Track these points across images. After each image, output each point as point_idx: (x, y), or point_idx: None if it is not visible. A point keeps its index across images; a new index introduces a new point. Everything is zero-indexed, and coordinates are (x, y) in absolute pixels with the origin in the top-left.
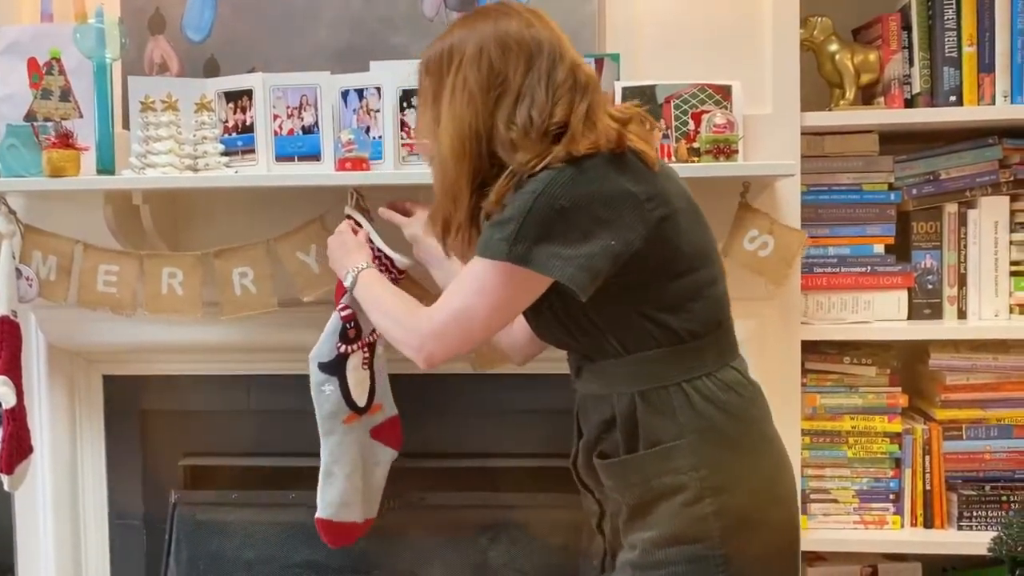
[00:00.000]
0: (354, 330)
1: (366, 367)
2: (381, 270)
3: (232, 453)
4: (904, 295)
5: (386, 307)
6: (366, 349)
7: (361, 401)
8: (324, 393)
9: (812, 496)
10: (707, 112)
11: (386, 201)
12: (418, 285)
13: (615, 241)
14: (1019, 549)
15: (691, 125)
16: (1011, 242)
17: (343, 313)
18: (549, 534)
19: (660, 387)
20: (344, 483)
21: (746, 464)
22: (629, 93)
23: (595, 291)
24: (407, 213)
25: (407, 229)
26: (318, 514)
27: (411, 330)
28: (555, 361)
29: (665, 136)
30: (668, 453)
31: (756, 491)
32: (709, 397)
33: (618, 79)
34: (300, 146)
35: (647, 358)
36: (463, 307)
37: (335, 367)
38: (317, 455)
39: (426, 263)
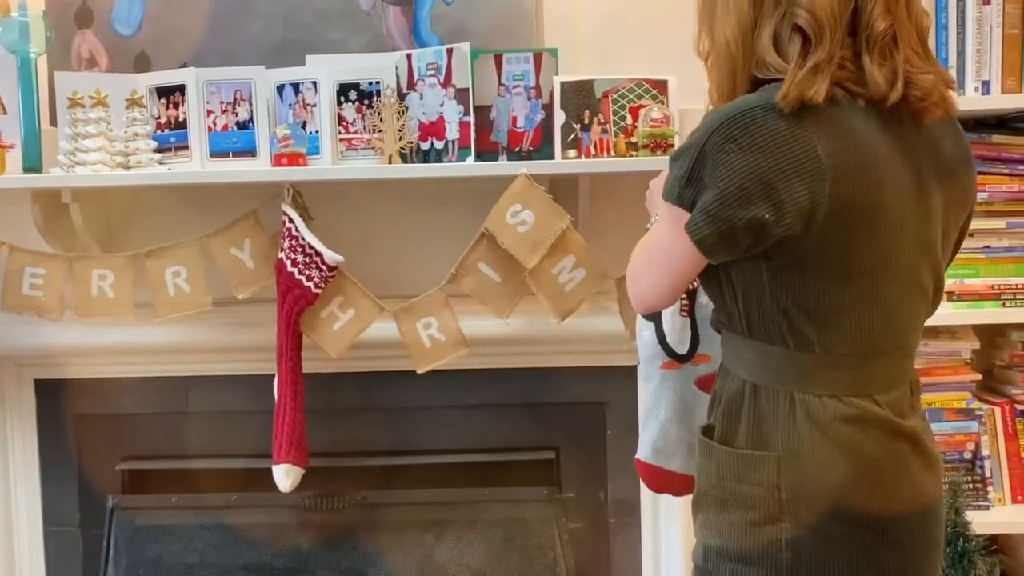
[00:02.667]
0: None
1: (684, 314)
2: (312, 266)
3: (171, 456)
4: None
5: (637, 249)
6: (684, 296)
7: (680, 348)
8: (643, 338)
9: None
10: (644, 106)
11: None
12: (352, 282)
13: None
14: None
15: (629, 119)
16: None
17: None
18: (496, 529)
19: (772, 387)
20: (659, 429)
21: (847, 511)
22: (567, 87)
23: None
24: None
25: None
26: (636, 455)
27: (630, 270)
28: (502, 356)
29: (604, 130)
30: (759, 462)
31: (845, 548)
32: (820, 421)
33: (556, 74)
34: (235, 142)
35: (767, 351)
36: (652, 256)
37: (652, 313)
38: (260, 456)
39: None
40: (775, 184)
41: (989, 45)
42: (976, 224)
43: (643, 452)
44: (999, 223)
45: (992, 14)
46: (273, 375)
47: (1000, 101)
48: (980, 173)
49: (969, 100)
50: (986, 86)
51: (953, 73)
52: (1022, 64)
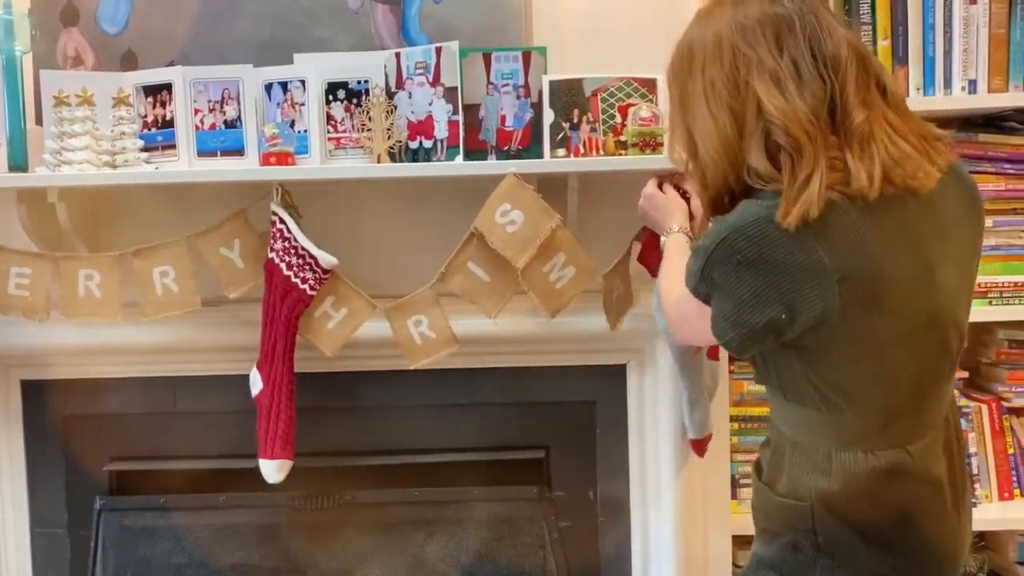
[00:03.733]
0: None
1: None
2: (306, 268)
3: (159, 457)
4: None
5: (663, 270)
6: None
7: None
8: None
9: (742, 481)
10: (633, 105)
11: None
12: (344, 281)
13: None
14: None
15: (618, 118)
16: None
17: None
18: (486, 528)
19: (812, 445)
20: (704, 405)
21: (872, 557)
22: (556, 87)
23: None
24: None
25: (695, 200)
26: (691, 436)
27: (664, 295)
28: (491, 355)
29: (593, 129)
30: (790, 510)
31: None
32: (857, 474)
33: (545, 72)
34: (223, 141)
35: (804, 414)
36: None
37: None
38: (247, 456)
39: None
40: (785, 290)
41: (976, 44)
42: None
43: (699, 432)
44: (986, 222)
45: (979, 14)
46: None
47: (987, 100)
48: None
49: (956, 99)
50: (973, 85)
51: (940, 72)
52: (1008, 63)
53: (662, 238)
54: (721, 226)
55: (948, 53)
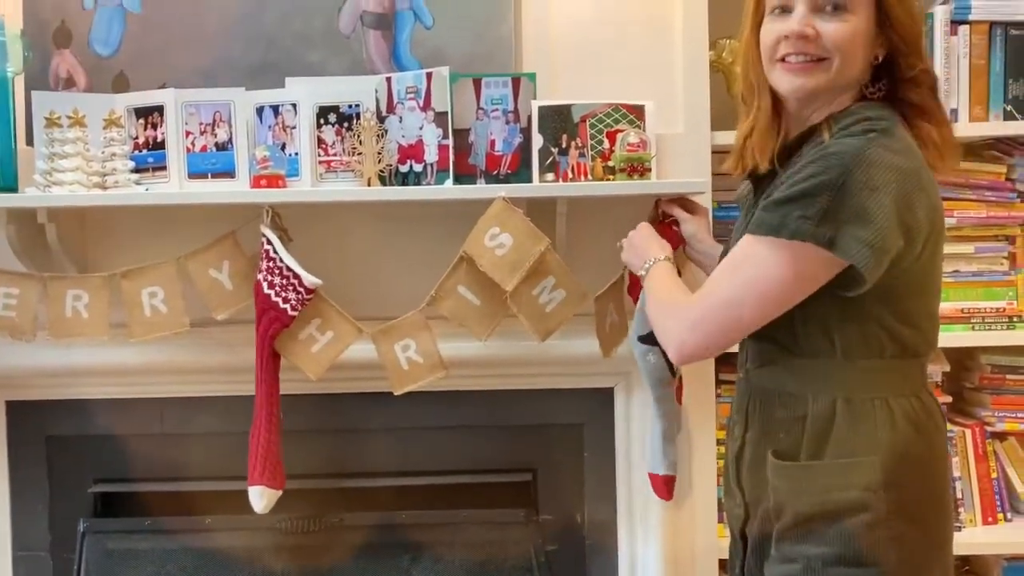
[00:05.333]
0: None
1: None
2: (289, 288)
3: (145, 479)
4: None
5: (658, 297)
6: None
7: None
8: (650, 362)
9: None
10: (621, 131)
11: (667, 196)
12: (330, 304)
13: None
14: None
15: (606, 144)
16: None
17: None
18: (473, 551)
19: (868, 398)
20: (676, 441)
21: (934, 495)
22: (545, 112)
23: None
24: (690, 209)
25: (687, 225)
26: (664, 472)
27: (672, 319)
28: (479, 377)
29: (581, 154)
30: (859, 468)
31: (934, 527)
32: (913, 419)
33: (535, 98)
34: (214, 163)
35: (866, 367)
36: (732, 296)
37: (653, 337)
38: (235, 478)
39: (698, 264)
40: (905, 215)
41: (957, 75)
42: (946, 249)
43: (671, 468)
44: (968, 248)
45: (959, 44)
46: (251, 396)
47: (968, 129)
48: (949, 199)
49: None
50: (955, 114)
51: None
52: (988, 93)
53: (644, 266)
54: (841, 156)
55: None
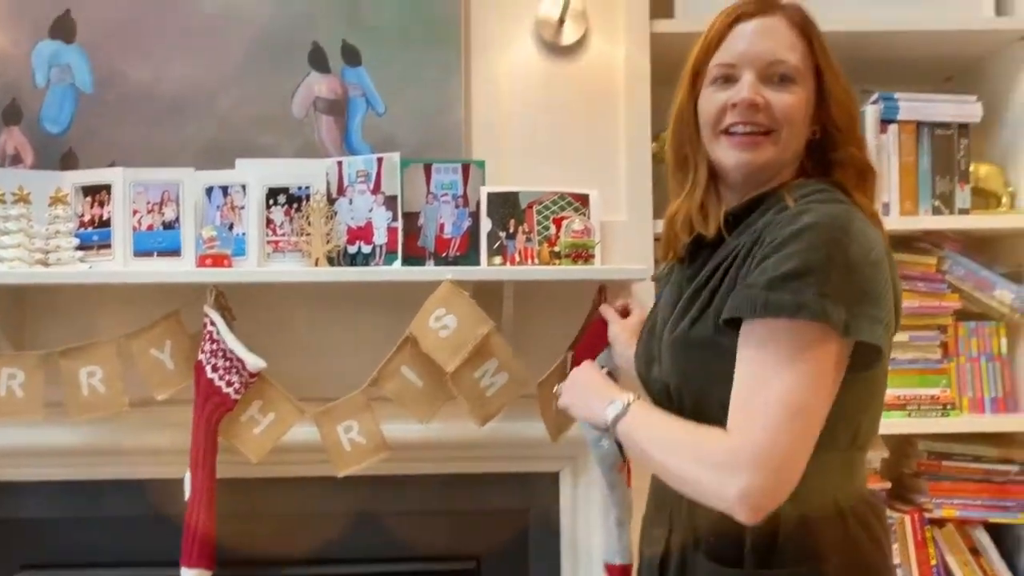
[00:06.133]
0: None
1: None
2: (233, 371)
3: (77, 564)
4: None
5: (669, 443)
6: None
7: None
8: (602, 448)
9: None
10: (567, 218)
11: (612, 303)
12: (272, 385)
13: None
14: None
15: (552, 229)
16: None
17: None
18: None
19: (818, 495)
20: (626, 530)
21: None
22: (494, 198)
23: None
24: (625, 312)
25: (612, 326)
26: (620, 561)
27: (714, 468)
28: (422, 461)
29: (528, 239)
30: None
31: None
32: (863, 520)
33: (484, 184)
34: (160, 241)
35: (816, 459)
36: (791, 398)
37: None
38: (171, 564)
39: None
40: (888, 290)
41: (888, 170)
42: None
43: (626, 556)
44: (903, 336)
45: (889, 142)
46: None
47: (900, 222)
48: None
49: None
50: (887, 208)
51: None
52: (917, 189)
53: (608, 418)
54: (828, 231)
55: None
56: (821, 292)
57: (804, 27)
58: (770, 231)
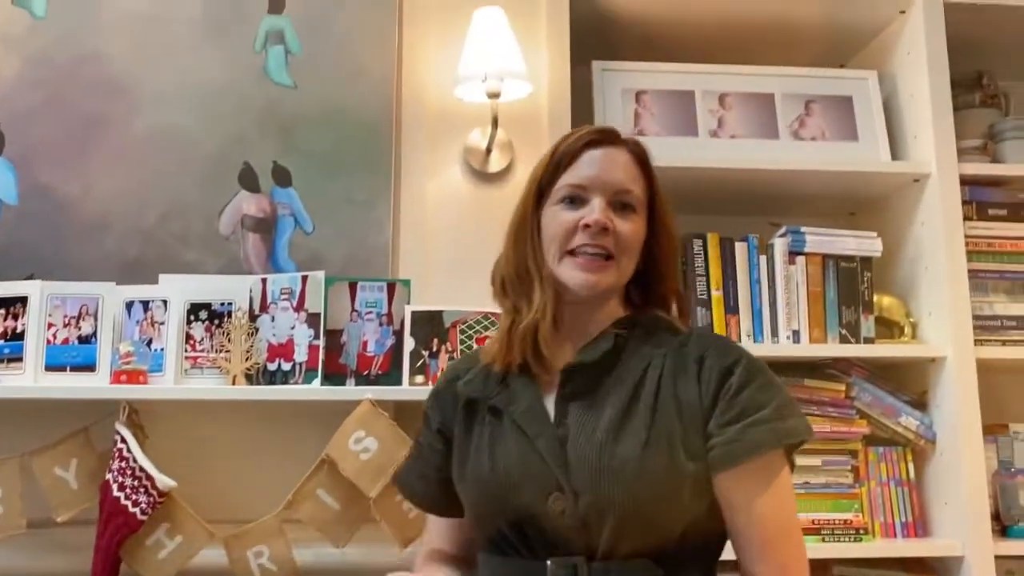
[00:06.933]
0: None
1: None
2: (140, 490)
3: None
4: None
5: None
6: None
7: None
8: None
9: None
10: (489, 337)
11: None
12: (182, 506)
13: None
14: None
15: (476, 349)
16: None
17: None
18: None
19: None
20: None
21: None
22: (418, 317)
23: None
24: None
25: None
26: None
27: None
28: None
29: (451, 358)
30: None
31: None
32: None
33: (408, 303)
34: (74, 356)
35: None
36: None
37: None
38: None
39: None
40: None
41: (797, 299)
42: (797, 460)
43: None
44: (816, 460)
45: (797, 273)
46: None
47: (810, 349)
48: None
49: (783, 347)
50: (796, 335)
51: (768, 322)
52: (825, 317)
53: None
54: (746, 352)
55: (773, 305)
56: (800, 413)
57: (644, 162)
58: (711, 356)
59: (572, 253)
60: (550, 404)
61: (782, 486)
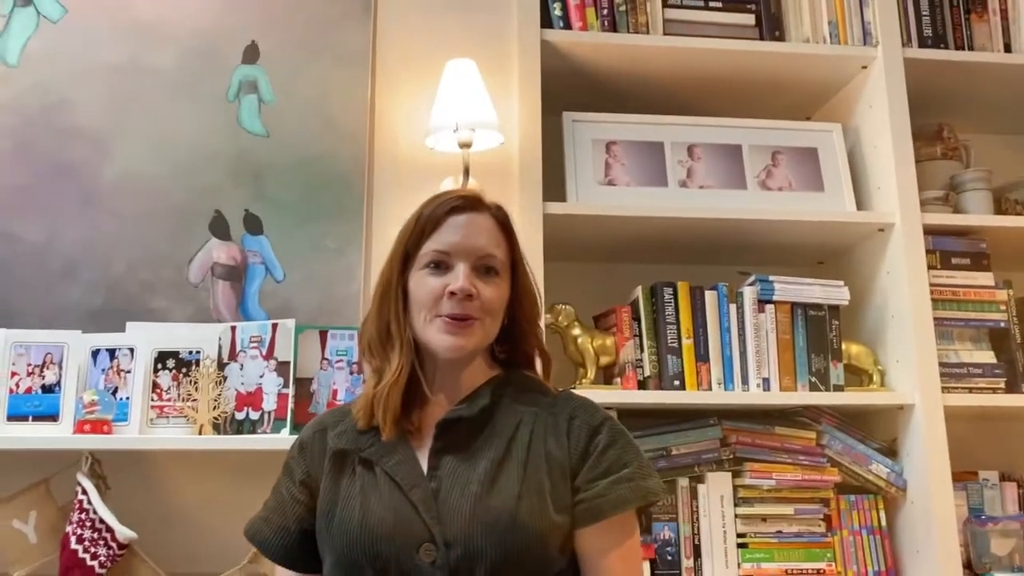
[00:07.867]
0: None
1: None
2: (100, 542)
3: None
4: (647, 566)
5: None
6: None
7: None
8: None
9: None
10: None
11: None
12: (143, 559)
13: None
14: None
15: None
16: (736, 515)
17: None
18: None
19: None
20: None
21: None
22: None
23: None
24: None
25: None
26: None
27: None
28: None
29: None
30: None
31: None
32: None
33: None
34: (37, 405)
35: None
36: None
37: None
38: None
39: None
40: None
41: (767, 347)
42: (768, 510)
43: None
44: (788, 509)
45: (767, 321)
46: None
47: (780, 397)
48: (768, 462)
49: (753, 395)
50: (767, 383)
51: (738, 370)
52: (795, 365)
53: None
54: (600, 409)
55: (743, 353)
56: (656, 475)
57: (506, 226)
58: (580, 416)
59: (438, 316)
60: (423, 457)
61: (634, 545)
